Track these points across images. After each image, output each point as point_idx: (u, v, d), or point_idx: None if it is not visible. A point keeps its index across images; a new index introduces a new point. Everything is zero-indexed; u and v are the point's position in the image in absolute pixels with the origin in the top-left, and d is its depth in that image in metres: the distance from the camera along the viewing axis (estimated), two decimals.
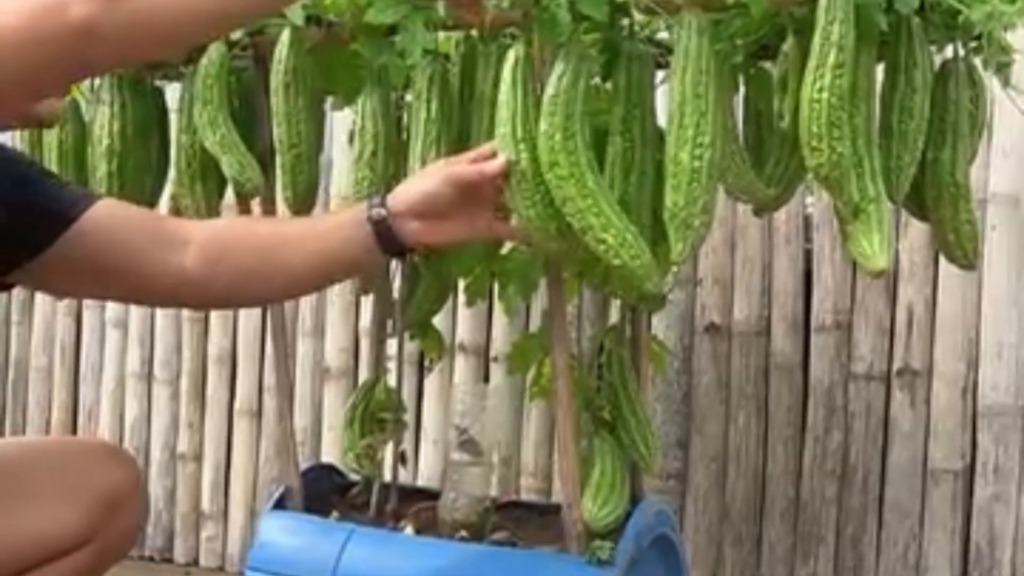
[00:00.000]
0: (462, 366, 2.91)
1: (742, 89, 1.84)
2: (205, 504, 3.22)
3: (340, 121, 2.61)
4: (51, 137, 2.10)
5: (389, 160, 1.87)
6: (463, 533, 2.01)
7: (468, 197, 1.63)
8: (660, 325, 2.69)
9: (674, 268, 2.02)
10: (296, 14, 1.85)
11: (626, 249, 1.58)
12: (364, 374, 2.72)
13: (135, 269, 1.62)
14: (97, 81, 2.06)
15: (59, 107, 1.77)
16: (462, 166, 1.65)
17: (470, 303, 2.36)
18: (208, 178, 2.03)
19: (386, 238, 1.62)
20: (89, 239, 1.59)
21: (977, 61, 1.66)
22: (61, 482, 1.64)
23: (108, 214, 1.64)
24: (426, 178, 1.66)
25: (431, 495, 2.19)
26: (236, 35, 1.87)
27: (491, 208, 1.67)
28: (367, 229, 1.62)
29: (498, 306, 2.62)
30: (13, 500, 1.60)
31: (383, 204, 1.63)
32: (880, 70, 1.61)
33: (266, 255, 1.65)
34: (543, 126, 1.59)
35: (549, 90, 1.60)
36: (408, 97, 2.02)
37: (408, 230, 1.63)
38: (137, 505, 1.75)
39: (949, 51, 1.65)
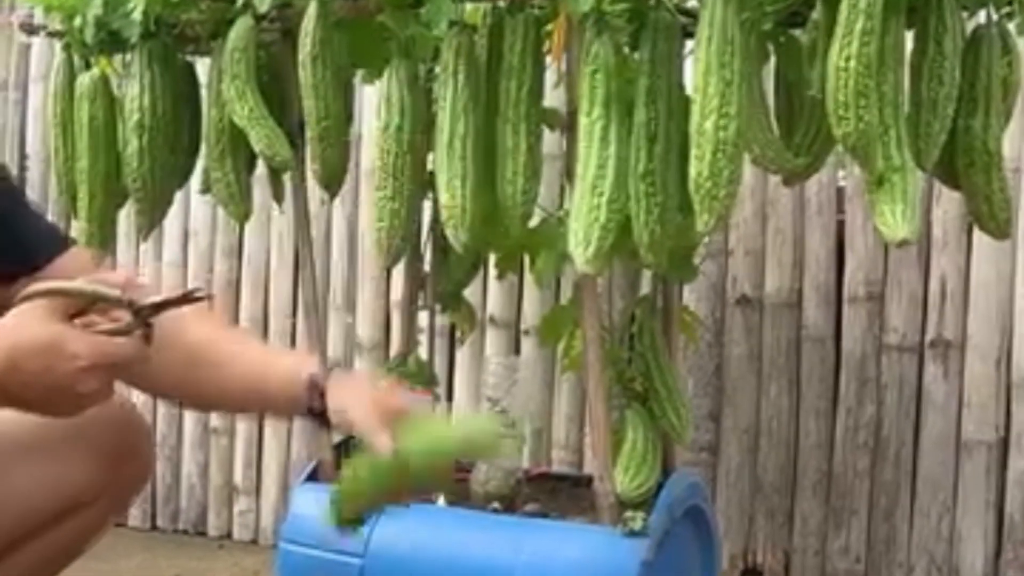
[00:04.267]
0: (493, 339, 2.91)
1: (772, 58, 1.83)
2: (238, 478, 3.24)
3: (370, 95, 2.62)
4: (82, 113, 2.11)
5: (415, 132, 1.87)
6: (495, 505, 2.02)
7: None
8: (691, 297, 2.68)
9: (705, 239, 2.02)
10: None
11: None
12: (395, 347, 2.72)
13: None
14: (127, 56, 2.07)
15: None
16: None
17: (501, 276, 2.36)
18: (238, 152, 2.03)
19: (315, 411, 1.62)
20: None
21: (1011, 26, 1.64)
22: (69, 439, 1.64)
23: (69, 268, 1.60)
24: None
25: (463, 467, 2.20)
26: (263, 8, 1.87)
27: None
28: (301, 401, 1.61)
29: (529, 279, 2.62)
30: (24, 460, 1.61)
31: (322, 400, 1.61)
32: (909, 36, 1.59)
33: (187, 366, 1.61)
34: None
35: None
36: (437, 69, 2.02)
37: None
38: (144, 455, 1.76)
39: (981, 16, 1.63)
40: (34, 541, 1.62)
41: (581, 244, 1.62)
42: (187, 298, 1.33)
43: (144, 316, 1.31)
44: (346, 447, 2.23)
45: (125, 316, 1.31)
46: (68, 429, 1.63)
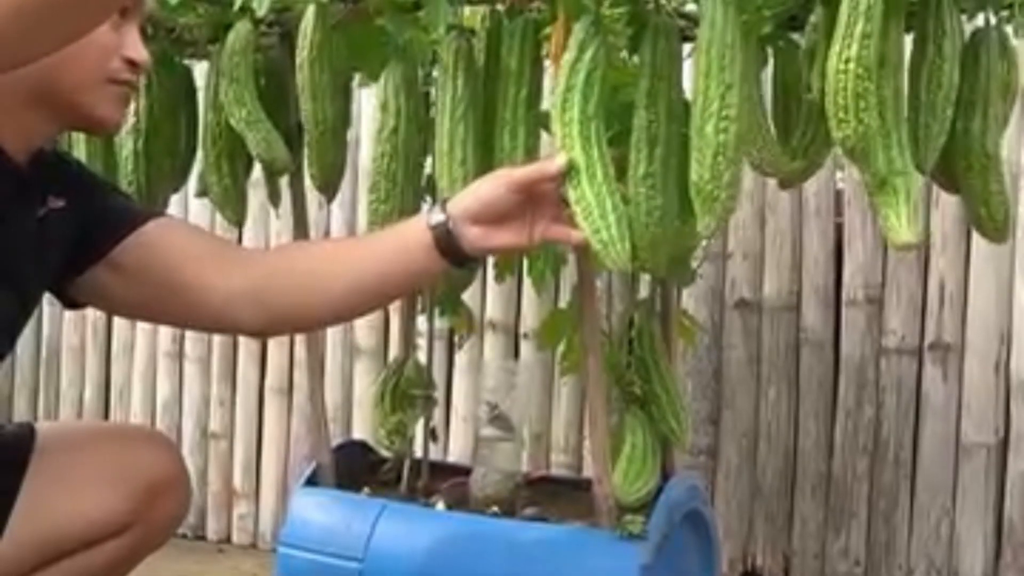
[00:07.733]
0: (492, 342, 2.91)
1: (770, 61, 1.83)
2: (237, 482, 3.24)
3: (368, 98, 2.61)
4: None
5: (412, 135, 1.87)
6: (494, 509, 2.02)
7: (527, 202, 1.58)
8: (690, 300, 2.68)
9: (703, 242, 2.01)
10: None
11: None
12: (394, 351, 2.72)
13: (187, 284, 1.63)
14: None
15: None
16: (522, 167, 1.62)
17: (499, 279, 2.35)
18: (235, 156, 2.03)
19: (446, 243, 1.58)
20: (146, 249, 1.63)
21: (1009, 29, 1.64)
22: (108, 467, 1.68)
23: (168, 228, 1.68)
24: (486, 182, 1.62)
25: (462, 471, 2.19)
26: (262, 12, 1.86)
27: (550, 215, 1.60)
28: (427, 235, 1.59)
29: (527, 282, 2.61)
30: (61, 482, 1.64)
31: (443, 209, 1.60)
32: (909, 40, 1.59)
33: (306, 287, 1.64)
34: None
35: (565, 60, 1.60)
36: (435, 73, 2.01)
37: (468, 235, 1.58)
38: (179, 495, 1.77)
39: (980, 20, 1.63)
40: (58, 565, 1.63)
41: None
42: None
43: None
44: (344, 451, 2.23)
45: None
46: (104, 460, 1.68)
